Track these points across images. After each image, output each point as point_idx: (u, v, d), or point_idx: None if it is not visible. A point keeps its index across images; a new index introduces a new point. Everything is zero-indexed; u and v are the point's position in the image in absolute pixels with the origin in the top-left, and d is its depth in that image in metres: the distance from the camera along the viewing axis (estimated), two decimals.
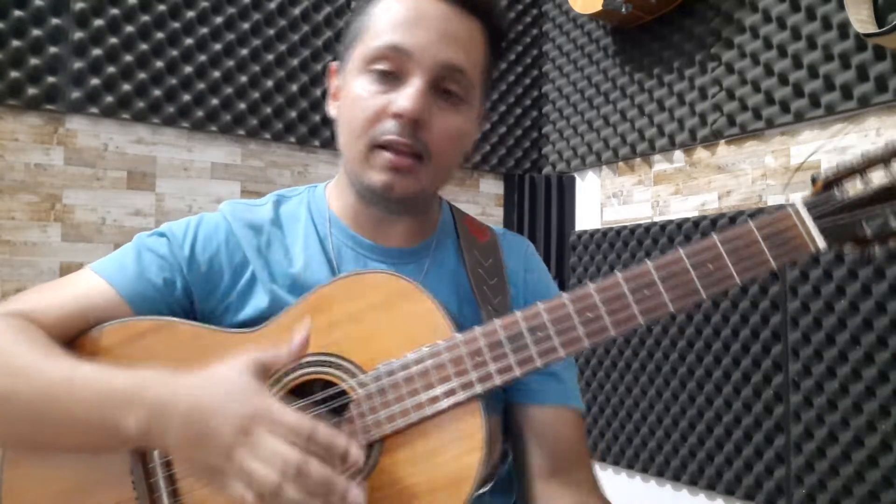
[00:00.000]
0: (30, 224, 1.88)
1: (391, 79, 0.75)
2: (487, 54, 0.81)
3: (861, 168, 0.65)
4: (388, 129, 0.74)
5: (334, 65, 0.85)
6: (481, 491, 0.68)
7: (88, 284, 0.78)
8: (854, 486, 1.61)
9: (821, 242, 0.64)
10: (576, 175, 2.59)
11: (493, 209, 2.65)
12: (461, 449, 0.65)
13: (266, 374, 0.67)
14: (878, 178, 0.64)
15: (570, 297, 0.67)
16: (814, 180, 0.67)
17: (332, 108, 0.85)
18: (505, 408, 0.86)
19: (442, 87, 0.76)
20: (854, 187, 0.65)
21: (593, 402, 2.28)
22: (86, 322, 0.76)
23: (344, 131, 0.79)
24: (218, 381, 0.64)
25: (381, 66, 0.75)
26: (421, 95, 0.73)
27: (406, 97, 0.73)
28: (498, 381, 0.66)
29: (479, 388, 0.66)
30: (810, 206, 0.65)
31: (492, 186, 2.65)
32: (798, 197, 0.67)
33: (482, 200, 2.63)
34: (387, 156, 0.75)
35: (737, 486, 1.86)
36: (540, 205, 2.59)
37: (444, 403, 0.66)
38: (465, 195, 2.59)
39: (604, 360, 2.26)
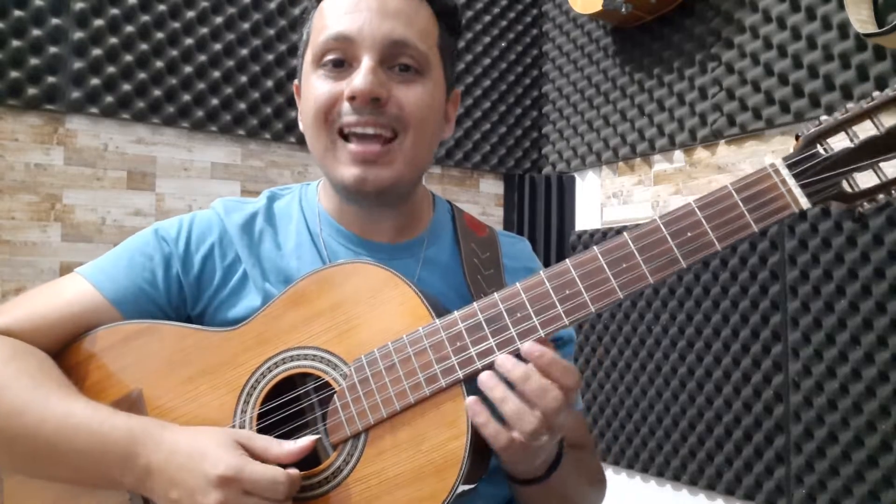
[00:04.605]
0: (30, 224, 1.88)
1: (343, 68, 0.76)
2: (437, 26, 0.80)
3: (845, 122, 0.61)
4: (346, 112, 0.74)
5: (297, 83, 0.86)
6: (469, 487, 0.67)
7: (76, 291, 0.78)
8: (854, 486, 1.62)
9: (804, 201, 0.61)
10: (576, 175, 2.59)
11: (493, 209, 2.65)
12: (446, 435, 0.64)
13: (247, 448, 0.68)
14: (864, 131, 0.60)
15: (547, 275, 0.65)
16: (797, 137, 0.63)
17: (300, 122, 0.84)
18: None
19: (396, 62, 0.75)
20: (839, 142, 0.61)
21: (593, 402, 2.28)
22: (76, 329, 0.77)
23: (308, 130, 0.79)
24: (202, 449, 0.65)
25: (329, 57, 0.76)
26: (372, 73, 0.73)
27: (358, 77, 0.73)
28: (479, 364, 0.65)
29: (460, 373, 0.65)
30: (792, 164, 0.62)
31: (492, 186, 2.65)
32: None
33: (482, 200, 2.63)
34: (351, 147, 0.74)
35: (737, 486, 1.86)
36: (540, 205, 2.59)
37: (427, 390, 0.66)
38: (465, 195, 2.59)
39: (604, 360, 2.26)
